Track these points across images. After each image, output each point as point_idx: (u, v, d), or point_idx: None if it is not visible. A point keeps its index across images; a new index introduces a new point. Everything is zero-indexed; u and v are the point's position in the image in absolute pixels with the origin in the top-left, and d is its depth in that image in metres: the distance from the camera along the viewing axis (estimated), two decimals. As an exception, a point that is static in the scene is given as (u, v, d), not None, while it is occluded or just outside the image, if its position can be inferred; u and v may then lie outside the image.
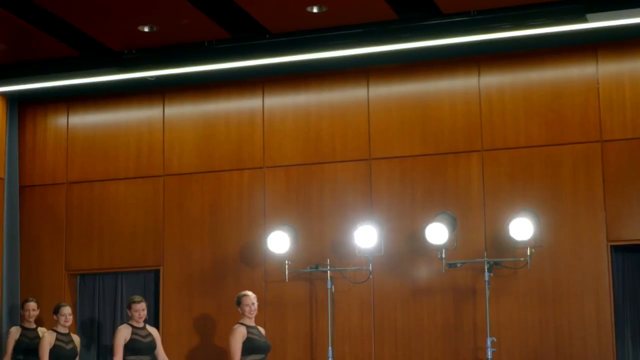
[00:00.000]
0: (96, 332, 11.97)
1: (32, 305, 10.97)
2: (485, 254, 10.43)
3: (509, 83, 10.86)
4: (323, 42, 10.53)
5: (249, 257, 11.34)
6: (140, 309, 10.27)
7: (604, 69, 10.57)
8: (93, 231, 11.95)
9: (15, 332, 10.87)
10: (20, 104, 12.24)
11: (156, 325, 11.39)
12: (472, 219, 10.75)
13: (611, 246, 10.36)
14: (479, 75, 10.94)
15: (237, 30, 10.54)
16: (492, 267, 10.27)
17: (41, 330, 10.88)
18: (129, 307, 10.31)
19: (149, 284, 11.85)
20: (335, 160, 11.28)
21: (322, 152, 11.35)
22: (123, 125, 12.08)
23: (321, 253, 11.01)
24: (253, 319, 10.04)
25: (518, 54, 10.81)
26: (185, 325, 11.38)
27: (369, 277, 10.72)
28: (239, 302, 10.03)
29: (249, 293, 10.06)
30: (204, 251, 11.53)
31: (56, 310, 10.59)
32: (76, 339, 10.75)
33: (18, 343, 10.79)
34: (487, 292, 10.22)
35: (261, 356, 9.88)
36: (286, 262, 10.84)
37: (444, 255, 10.37)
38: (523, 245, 10.23)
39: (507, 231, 10.19)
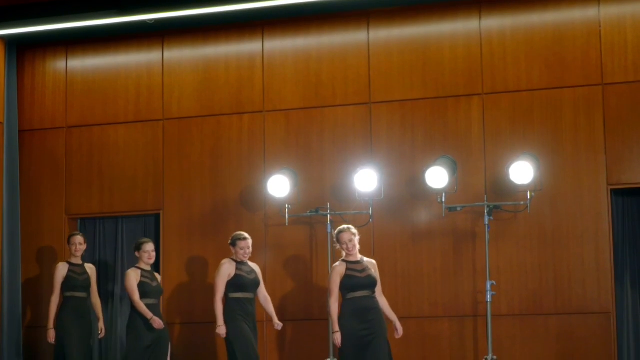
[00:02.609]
0: (97, 276, 11.63)
1: (78, 239, 10.74)
2: (486, 198, 10.42)
3: (510, 26, 10.77)
4: (324, -16, 10.48)
5: (249, 201, 11.31)
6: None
7: (606, 12, 10.48)
8: (93, 176, 11.90)
9: (62, 268, 10.67)
10: (19, 47, 12.15)
11: (157, 269, 11.36)
12: (472, 162, 10.72)
13: (611, 190, 10.35)
14: (480, 18, 10.84)
15: (237, -28, 10.47)
16: (492, 211, 10.23)
17: (88, 266, 10.81)
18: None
19: (150, 228, 11.84)
20: (336, 104, 11.23)
21: (322, 95, 11.28)
22: (122, 69, 12.00)
23: (321, 197, 10.99)
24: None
25: (519, -3, 10.81)
26: (185, 269, 11.37)
27: (369, 220, 10.67)
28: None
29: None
30: (204, 195, 11.50)
31: (138, 247, 10.30)
32: (158, 277, 10.49)
33: (66, 279, 10.61)
34: (487, 236, 10.21)
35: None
36: (286, 206, 10.83)
37: (444, 199, 10.35)
38: (523, 188, 10.20)
39: (507, 175, 10.15)
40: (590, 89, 10.44)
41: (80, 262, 10.73)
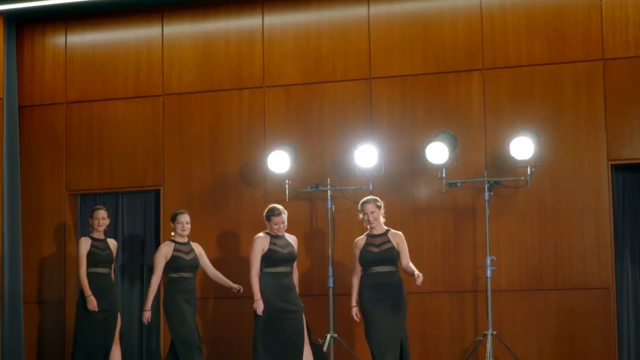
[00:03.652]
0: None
1: (101, 213, 10.59)
2: (486, 173, 10.43)
3: (511, 0, 10.75)
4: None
5: (249, 176, 11.33)
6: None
7: (608, -14, 10.56)
8: (93, 151, 11.91)
9: (85, 243, 10.50)
10: (18, 23, 12.11)
11: (157, 245, 11.37)
12: (472, 138, 10.74)
13: (611, 165, 10.38)
14: (481, -8, 10.97)
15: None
16: (492, 186, 10.28)
17: (111, 242, 10.72)
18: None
19: (150, 204, 11.88)
20: (336, 79, 11.24)
21: (322, 71, 11.29)
22: (122, 44, 11.99)
23: (321, 172, 11.01)
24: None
25: (520, -29, 10.83)
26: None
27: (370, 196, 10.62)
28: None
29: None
30: (204, 171, 11.53)
31: (173, 218, 10.21)
32: (197, 247, 10.28)
33: (90, 254, 10.45)
34: (487, 211, 10.26)
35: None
36: (286, 181, 10.85)
37: (444, 175, 10.38)
38: (523, 164, 10.23)
39: (507, 150, 10.18)
40: (591, 64, 10.43)
41: (102, 237, 10.62)
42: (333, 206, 10.67)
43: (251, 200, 11.21)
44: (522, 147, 10.03)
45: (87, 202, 12.03)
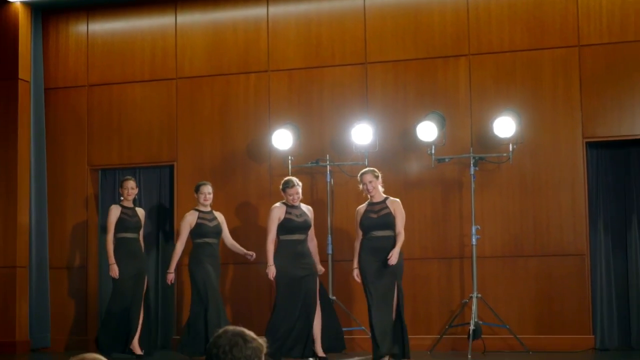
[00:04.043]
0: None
1: (130, 183, 10.67)
2: (471, 150, 10.59)
3: None
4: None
5: (255, 153, 11.48)
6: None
7: (583, -22, 10.57)
8: (112, 130, 12.04)
9: (115, 210, 10.60)
10: (44, 13, 12.25)
11: (171, 216, 11.69)
12: (459, 117, 10.86)
13: (586, 142, 10.54)
14: (467, -16, 10.93)
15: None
16: (477, 162, 10.45)
17: (139, 210, 10.78)
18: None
19: (165, 178, 12.02)
20: (334, 64, 11.36)
21: (322, 56, 11.41)
22: (139, 32, 12.12)
23: (321, 149, 11.16)
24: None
25: (504, -38, 10.82)
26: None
27: None
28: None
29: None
30: (214, 148, 11.65)
31: (197, 189, 10.28)
32: (219, 216, 10.38)
33: (119, 221, 10.54)
34: (473, 185, 10.44)
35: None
36: (289, 157, 11.00)
37: (433, 151, 10.53)
38: (506, 141, 10.39)
39: (491, 129, 10.35)
40: (568, 50, 10.59)
41: (131, 205, 10.68)
42: (332, 180, 10.84)
43: (257, 175, 11.34)
44: (505, 126, 10.19)
45: (107, 176, 12.14)
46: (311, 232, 9.78)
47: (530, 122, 10.62)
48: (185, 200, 11.50)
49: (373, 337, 9.11)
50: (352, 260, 9.45)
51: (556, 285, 10.49)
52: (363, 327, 10.42)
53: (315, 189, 11.11)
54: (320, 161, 10.92)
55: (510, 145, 10.38)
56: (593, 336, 10.38)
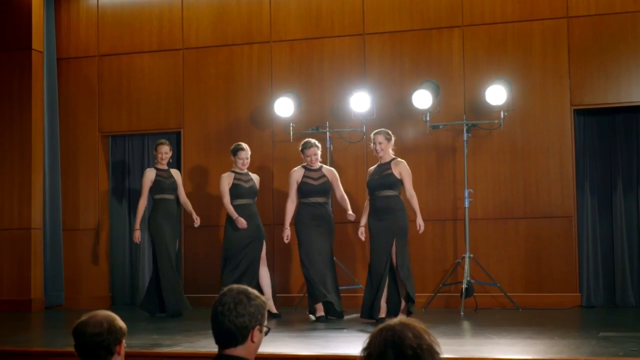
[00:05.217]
0: (127, 187, 12.27)
1: (164, 148, 10.44)
2: (464, 117, 10.65)
3: None
4: None
5: (258, 120, 11.53)
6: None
7: (572, -50, 10.55)
8: (122, 98, 12.08)
9: (149, 173, 10.40)
10: None
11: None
12: (453, 86, 10.90)
13: (574, 110, 10.60)
14: (461, -44, 10.91)
15: None
16: (470, 129, 10.50)
17: (174, 171, 10.58)
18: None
19: (172, 143, 11.54)
20: (334, 35, 11.36)
21: (322, 28, 11.42)
22: (146, 3, 12.10)
23: (321, 116, 11.20)
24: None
25: None
26: (203, 180, 11.60)
27: (363, 137, 10.92)
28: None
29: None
30: (219, 115, 11.69)
31: (234, 152, 10.08)
32: (256, 177, 10.23)
33: (154, 183, 10.35)
34: (466, 150, 10.51)
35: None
36: (291, 124, 11.07)
37: (428, 118, 10.61)
38: (497, 109, 10.46)
39: (483, 97, 10.42)
40: (557, 21, 10.60)
41: (166, 167, 10.47)
42: (331, 145, 10.87)
43: (260, 141, 11.34)
44: (496, 94, 10.26)
45: (117, 142, 12.22)
46: (339, 191, 9.67)
47: (521, 91, 10.66)
48: (192, 165, 11.60)
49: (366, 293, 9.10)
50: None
51: (545, 245, 10.57)
52: (361, 285, 10.50)
53: (316, 155, 11.11)
54: (320, 128, 10.93)
55: (502, 112, 10.43)
56: (579, 294, 10.46)
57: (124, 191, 12.30)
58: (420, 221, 9.05)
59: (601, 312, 10.17)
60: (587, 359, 5.84)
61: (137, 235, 10.43)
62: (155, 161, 10.55)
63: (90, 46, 12.25)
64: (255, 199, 10.18)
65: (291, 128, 11.08)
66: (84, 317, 3.95)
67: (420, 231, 9.09)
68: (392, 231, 8.97)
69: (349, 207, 9.64)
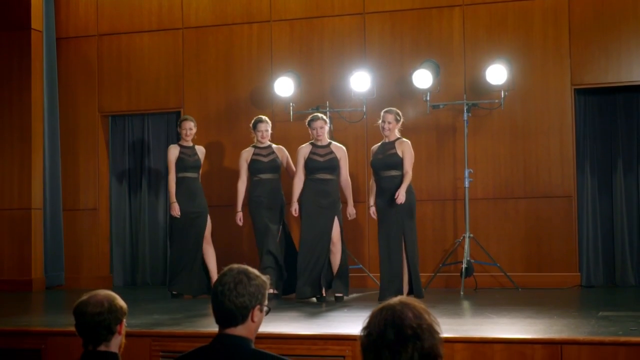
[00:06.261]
0: (126, 166, 12.30)
1: (188, 124, 10.22)
2: (465, 97, 10.66)
3: None
4: None
5: (258, 99, 11.52)
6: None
7: None
8: (121, 78, 12.07)
9: (173, 150, 10.17)
10: None
11: None
12: (453, 65, 10.91)
13: (575, 89, 10.62)
14: None
15: None
16: (470, 108, 10.52)
17: (199, 148, 10.34)
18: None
19: (172, 124, 12.06)
20: (334, 14, 11.35)
21: (322, 7, 11.40)
22: None
23: (321, 96, 11.21)
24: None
25: None
26: (205, 159, 11.29)
27: (363, 117, 10.94)
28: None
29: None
30: (219, 95, 11.70)
31: (254, 126, 9.85)
32: (278, 148, 9.90)
33: (179, 160, 10.10)
34: (466, 130, 10.52)
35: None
36: (290, 104, 11.08)
37: (428, 98, 10.61)
38: (497, 88, 10.47)
39: (484, 76, 10.43)
40: (558, 0, 10.60)
41: (190, 144, 10.26)
42: (331, 125, 10.72)
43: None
44: (497, 74, 10.27)
45: (117, 122, 12.25)
46: (344, 172, 9.50)
47: (521, 70, 10.67)
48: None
49: (382, 278, 9.10)
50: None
51: (544, 225, 10.61)
52: (360, 265, 10.58)
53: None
54: (320, 107, 10.89)
55: (502, 92, 10.45)
56: (579, 274, 10.51)
57: (124, 171, 12.34)
58: (401, 191, 8.83)
59: (601, 291, 10.21)
60: (586, 338, 5.86)
61: (175, 208, 10.03)
62: (180, 138, 10.34)
63: (89, 26, 12.23)
64: (279, 173, 9.90)
65: (291, 108, 11.09)
66: (84, 297, 3.98)
67: (398, 202, 8.85)
68: (400, 212, 8.96)
69: (350, 199, 9.52)
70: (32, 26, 11.71)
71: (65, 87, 12.18)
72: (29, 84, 11.65)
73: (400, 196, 8.85)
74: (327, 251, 9.23)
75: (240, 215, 9.81)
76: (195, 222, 10.07)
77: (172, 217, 10.08)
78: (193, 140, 10.36)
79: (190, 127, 10.23)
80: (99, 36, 12.20)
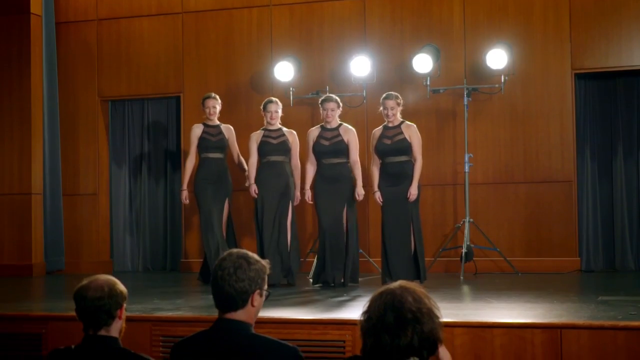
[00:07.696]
0: (126, 151, 12.31)
1: (211, 102, 9.87)
2: (465, 81, 10.68)
3: None
4: None
5: (258, 84, 11.52)
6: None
7: None
8: (121, 63, 12.07)
9: (196, 130, 9.88)
10: None
11: (178, 144, 11.78)
12: (453, 50, 10.92)
13: (575, 74, 10.64)
14: None
15: None
16: (470, 93, 10.54)
17: (225, 127, 9.96)
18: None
19: (172, 108, 12.10)
20: None
21: None
22: None
23: (321, 81, 11.21)
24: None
25: None
26: None
27: (363, 101, 10.96)
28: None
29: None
30: (219, 79, 11.68)
31: (264, 107, 9.56)
32: (289, 132, 9.58)
33: (200, 140, 9.80)
34: (466, 115, 10.54)
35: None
36: (290, 88, 11.09)
37: (428, 83, 10.63)
38: (498, 73, 10.50)
39: (484, 61, 10.44)
40: None
41: (216, 123, 9.92)
42: None
43: (260, 105, 10.69)
44: (497, 58, 10.28)
45: (117, 107, 12.26)
46: (353, 154, 9.26)
47: (522, 55, 10.68)
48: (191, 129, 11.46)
49: (384, 262, 9.02)
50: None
51: (544, 210, 10.64)
52: (361, 250, 10.56)
53: (316, 119, 11.02)
54: (320, 92, 10.83)
55: (502, 76, 10.46)
56: (579, 258, 10.55)
57: (124, 156, 12.35)
58: (414, 187, 8.86)
59: (600, 276, 10.23)
60: (586, 322, 5.88)
61: (184, 195, 9.91)
62: (205, 117, 10.00)
63: (89, 10, 12.22)
64: (289, 156, 9.60)
65: (291, 92, 11.09)
66: (85, 282, 3.99)
67: (410, 200, 8.85)
68: (406, 200, 8.88)
69: (360, 180, 9.22)
70: (32, 10, 11.68)
71: (64, 72, 12.17)
72: (28, 69, 11.63)
73: (413, 194, 8.85)
74: (344, 236, 9.11)
75: (254, 187, 9.40)
76: (215, 207, 9.71)
77: (198, 198, 9.76)
78: (218, 118, 10.06)
79: (213, 105, 9.89)
80: (98, 20, 12.19)
